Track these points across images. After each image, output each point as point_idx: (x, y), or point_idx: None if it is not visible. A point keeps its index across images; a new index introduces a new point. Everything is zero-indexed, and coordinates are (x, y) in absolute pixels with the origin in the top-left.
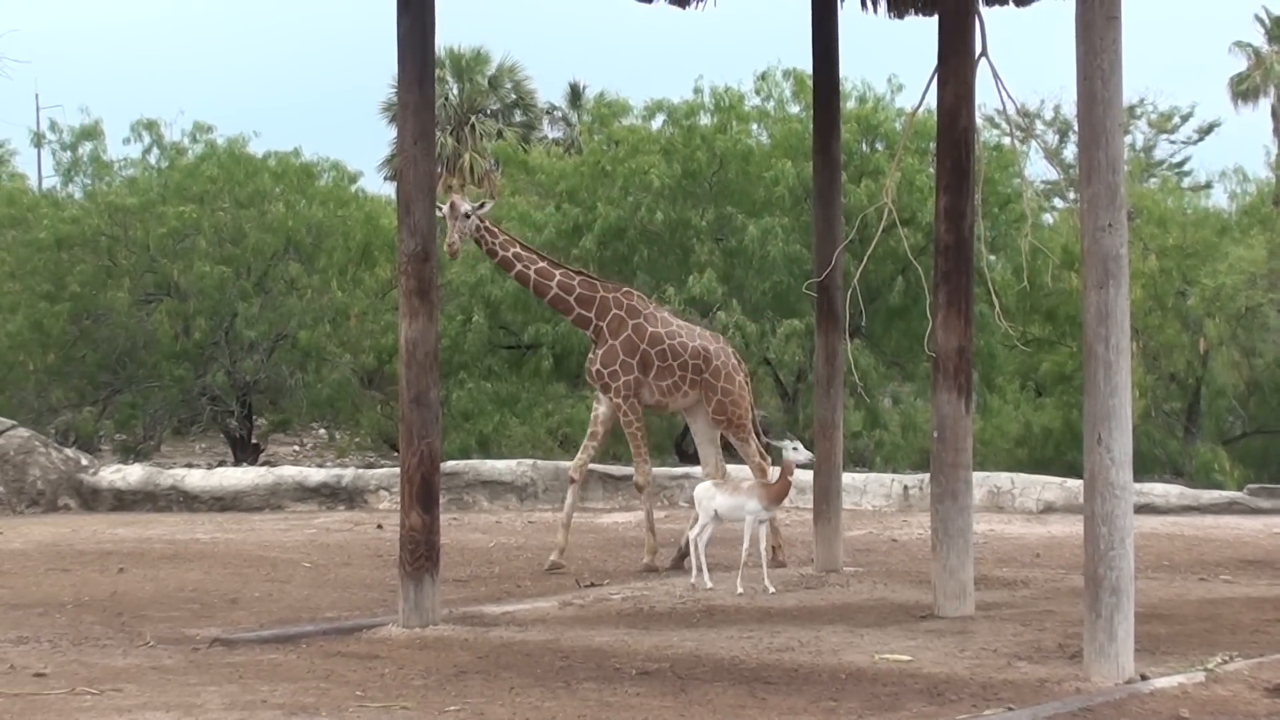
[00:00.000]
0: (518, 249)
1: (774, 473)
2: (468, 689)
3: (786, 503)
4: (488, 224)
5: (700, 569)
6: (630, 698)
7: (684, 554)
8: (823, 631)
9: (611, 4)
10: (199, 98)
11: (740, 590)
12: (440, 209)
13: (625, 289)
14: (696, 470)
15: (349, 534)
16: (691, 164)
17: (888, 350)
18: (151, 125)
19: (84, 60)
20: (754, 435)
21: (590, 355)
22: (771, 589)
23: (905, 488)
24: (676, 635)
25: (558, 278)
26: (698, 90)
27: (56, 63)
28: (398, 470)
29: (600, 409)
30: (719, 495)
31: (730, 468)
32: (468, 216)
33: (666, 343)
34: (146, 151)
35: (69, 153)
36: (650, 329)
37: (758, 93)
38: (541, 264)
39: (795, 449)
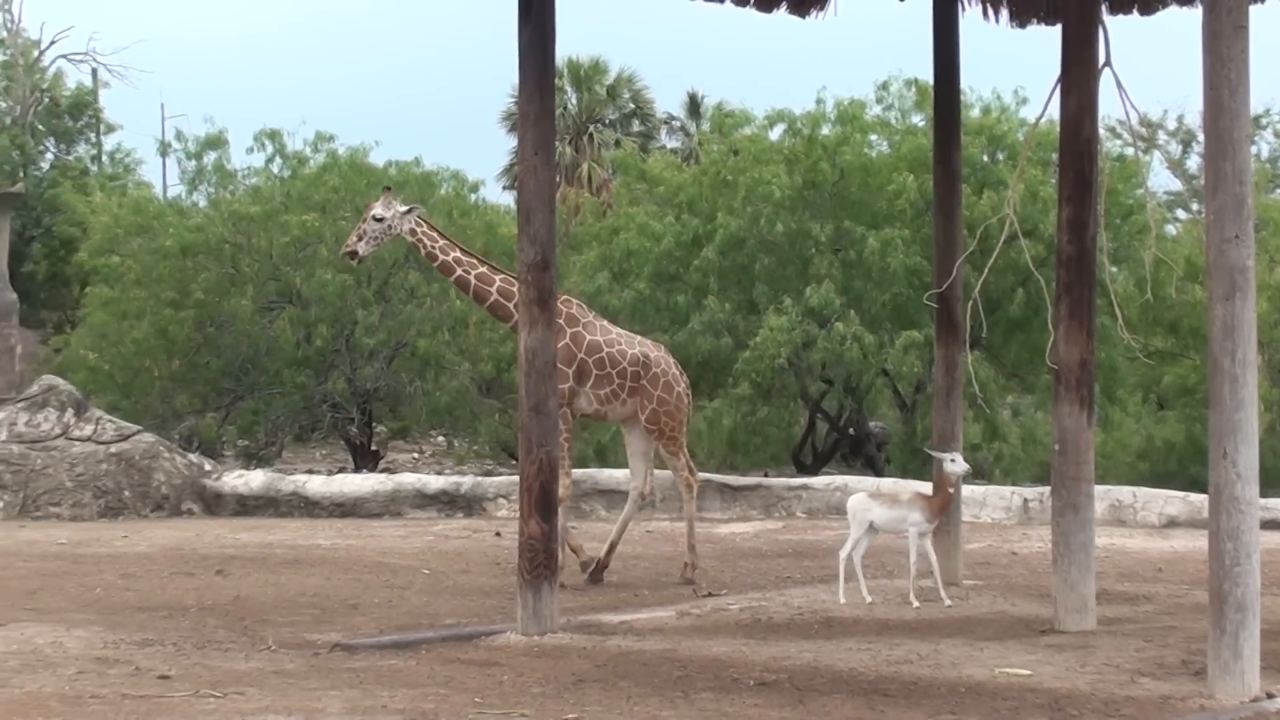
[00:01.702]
0: (458, 253)
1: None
2: (585, 697)
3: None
4: (426, 228)
5: (851, 580)
6: (748, 708)
7: (603, 566)
8: (942, 644)
9: (730, 12)
10: (321, 108)
11: (916, 604)
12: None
13: (565, 297)
14: (814, 481)
15: (467, 541)
16: (813, 175)
17: (1007, 362)
18: (274, 135)
19: (208, 70)
20: (685, 449)
21: None
22: (948, 602)
23: (1025, 500)
24: (794, 646)
25: (497, 283)
26: (820, 100)
27: (181, 72)
28: (516, 478)
29: None
30: (876, 507)
31: (896, 483)
32: (379, 220)
33: (604, 351)
34: (269, 161)
35: (194, 162)
36: (588, 337)
37: (878, 102)
38: (481, 269)
39: (954, 460)
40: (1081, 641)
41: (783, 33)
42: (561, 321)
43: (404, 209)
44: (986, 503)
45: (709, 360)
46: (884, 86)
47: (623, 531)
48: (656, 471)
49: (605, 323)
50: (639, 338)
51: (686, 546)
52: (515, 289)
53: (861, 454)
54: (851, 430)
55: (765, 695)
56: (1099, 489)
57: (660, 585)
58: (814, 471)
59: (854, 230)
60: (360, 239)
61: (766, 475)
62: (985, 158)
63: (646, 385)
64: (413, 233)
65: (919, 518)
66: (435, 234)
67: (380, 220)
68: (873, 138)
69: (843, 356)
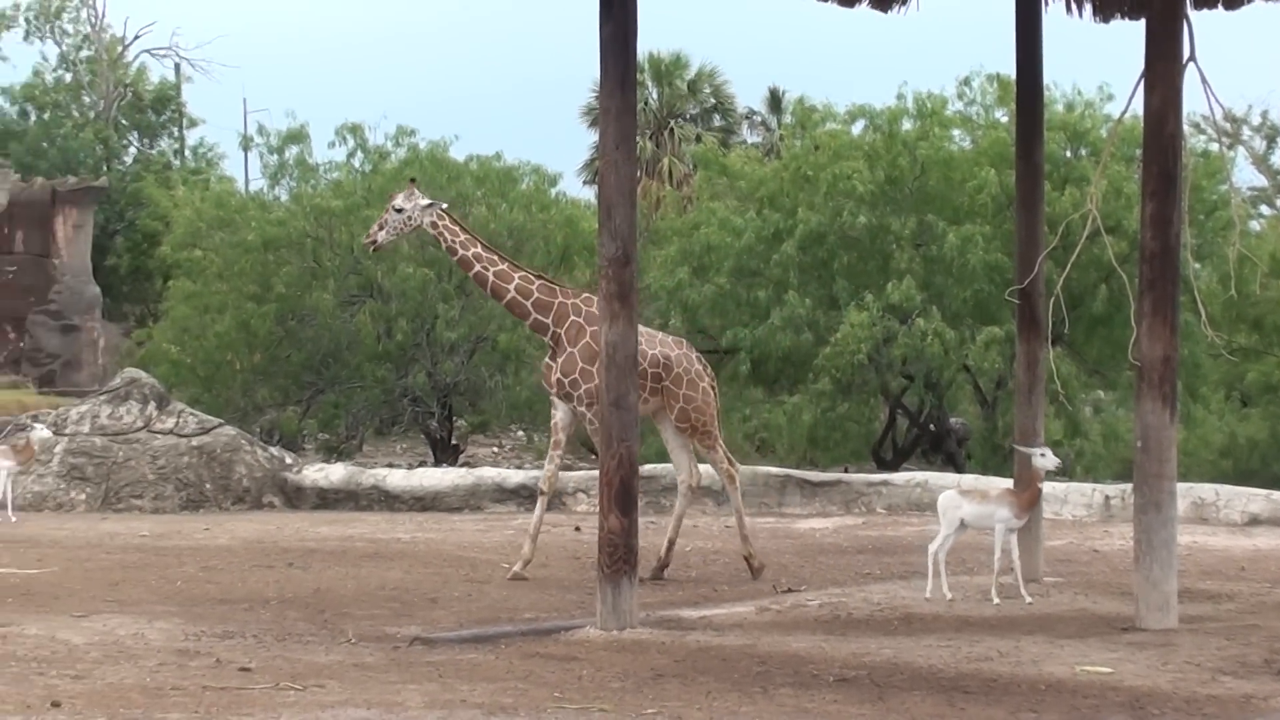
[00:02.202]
0: (478, 249)
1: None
2: (665, 692)
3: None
4: (448, 222)
5: (938, 576)
6: (827, 704)
7: (663, 565)
8: (1022, 642)
9: (812, 7)
10: (402, 102)
11: (996, 601)
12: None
13: (585, 295)
14: (894, 477)
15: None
16: (894, 170)
17: (1089, 358)
18: (356, 129)
19: (290, 64)
20: (720, 442)
21: (547, 362)
22: (1029, 599)
23: (1107, 498)
24: (874, 642)
25: (516, 281)
26: (900, 96)
27: (264, 67)
28: (596, 473)
29: (558, 415)
30: (966, 504)
31: (977, 479)
32: (399, 211)
33: None
34: (351, 155)
35: (276, 156)
36: None
37: (959, 98)
38: (501, 266)
39: (1044, 455)
40: (1163, 639)
41: (864, 27)
42: (581, 320)
43: (425, 203)
44: (1068, 500)
45: (789, 356)
46: (965, 82)
47: (678, 527)
48: (754, 468)
49: None
50: (661, 335)
51: (739, 539)
52: (533, 287)
53: (942, 450)
54: (932, 426)
55: (845, 691)
56: (1181, 486)
57: (739, 581)
58: (894, 467)
59: (935, 225)
60: (381, 229)
61: (846, 471)
62: (1067, 153)
63: (670, 385)
64: (434, 226)
65: (1008, 514)
66: (457, 228)
67: (401, 211)
68: (954, 133)
69: (923, 352)
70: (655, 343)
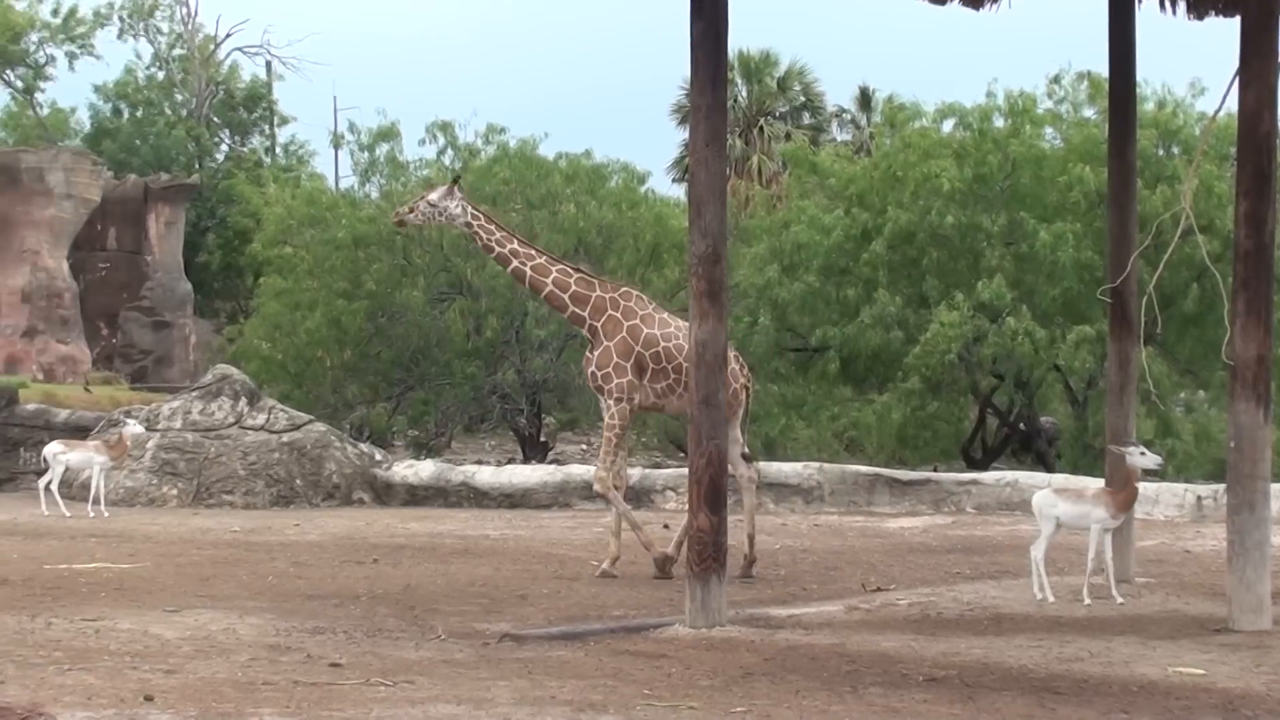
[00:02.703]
0: (515, 245)
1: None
2: (754, 691)
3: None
4: (483, 220)
5: (1043, 583)
6: (917, 704)
7: (752, 561)
8: (1113, 642)
9: (902, 5)
10: (492, 99)
11: (1088, 602)
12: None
13: (624, 289)
14: (984, 477)
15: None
16: (983, 168)
17: (1181, 357)
18: (446, 127)
19: (381, 62)
20: (738, 441)
21: (587, 355)
22: (1120, 600)
23: (1199, 498)
24: (964, 642)
25: (554, 274)
26: (990, 94)
27: (354, 65)
28: (684, 471)
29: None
30: (1062, 503)
31: (1068, 479)
32: (432, 205)
33: (660, 345)
34: (441, 153)
35: (366, 153)
36: (645, 330)
37: (1049, 96)
38: (539, 260)
39: (1142, 453)
40: (1256, 641)
41: (954, 25)
42: (618, 314)
43: (458, 203)
44: (1159, 500)
45: (878, 354)
46: (1055, 80)
47: (753, 521)
48: (826, 466)
49: (666, 315)
50: None
51: (745, 538)
52: (571, 280)
53: (1032, 449)
54: (1022, 425)
55: (934, 691)
56: (1275, 487)
57: (828, 579)
58: (984, 467)
59: (1025, 223)
60: (411, 211)
61: (936, 470)
62: (1159, 151)
63: None
64: (469, 226)
65: (1104, 514)
66: (493, 226)
67: (433, 206)
68: (1045, 131)
69: (1014, 351)
70: None
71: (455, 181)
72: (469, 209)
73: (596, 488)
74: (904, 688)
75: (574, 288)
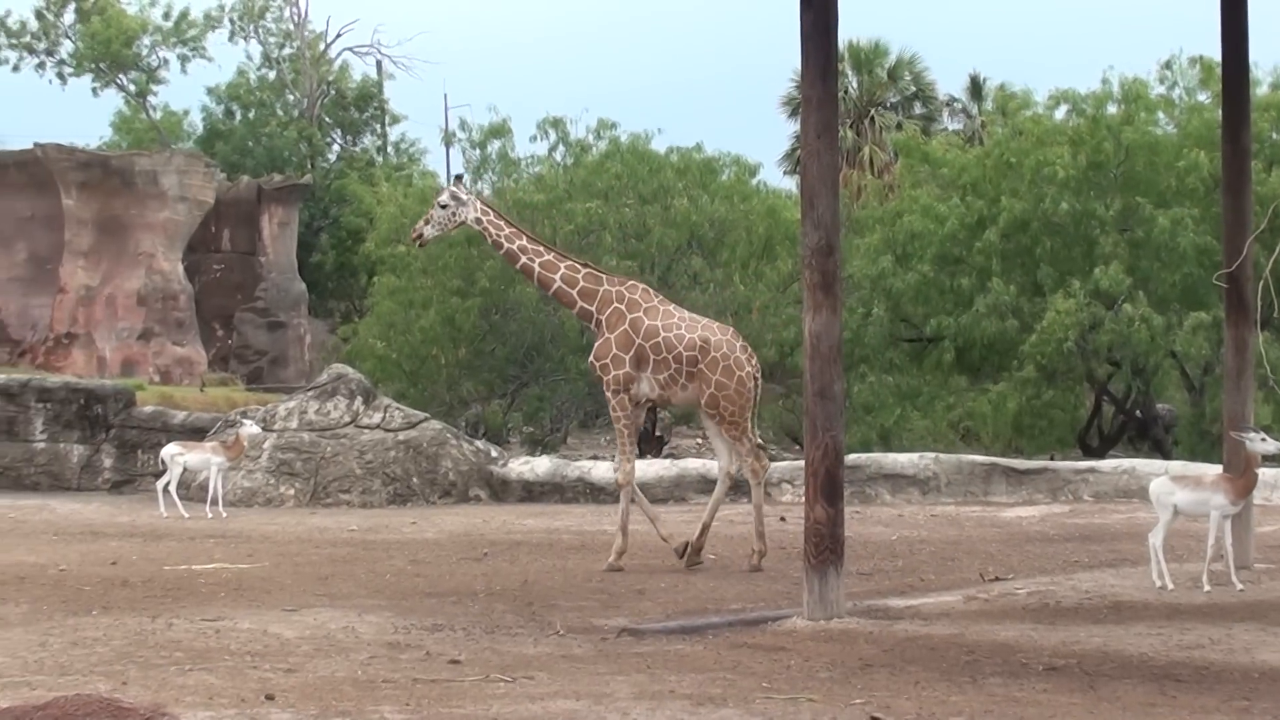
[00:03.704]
0: (523, 241)
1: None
2: (873, 682)
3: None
4: (492, 216)
5: (1162, 570)
6: (1037, 693)
7: (697, 548)
8: (1234, 629)
9: None
10: (602, 95)
11: (1207, 589)
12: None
13: (630, 282)
14: (1101, 465)
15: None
16: (1097, 155)
17: None
18: (557, 123)
19: (491, 59)
20: (748, 434)
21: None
22: (1240, 586)
23: None
24: (1083, 631)
25: (562, 270)
26: (1104, 80)
27: (464, 62)
28: (800, 463)
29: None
30: (1180, 491)
31: (1185, 465)
32: (444, 207)
33: (661, 335)
34: (552, 149)
35: (478, 150)
36: (647, 322)
37: (1161, 81)
38: (547, 256)
39: (1262, 439)
40: None
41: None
42: (623, 307)
43: (467, 200)
44: (1279, 486)
45: (993, 343)
46: (1167, 65)
47: (713, 514)
48: (943, 457)
49: (671, 307)
50: (705, 321)
51: (755, 533)
52: (579, 275)
53: (1149, 437)
54: (1139, 413)
55: (1054, 680)
56: None
57: (946, 569)
58: (1100, 454)
59: (1141, 209)
60: (427, 224)
61: (1052, 458)
62: (1274, 134)
63: (705, 370)
64: (478, 221)
65: (1223, 500)
66: (501, 222)
67: (445, 208)
68: (1157, 116)
69: (1130, 338)
70: (697, 328)
71: (459, 179)
72: (479, 205)
73: (619, 479)
74: (1024, 677)
75: (581, 283)
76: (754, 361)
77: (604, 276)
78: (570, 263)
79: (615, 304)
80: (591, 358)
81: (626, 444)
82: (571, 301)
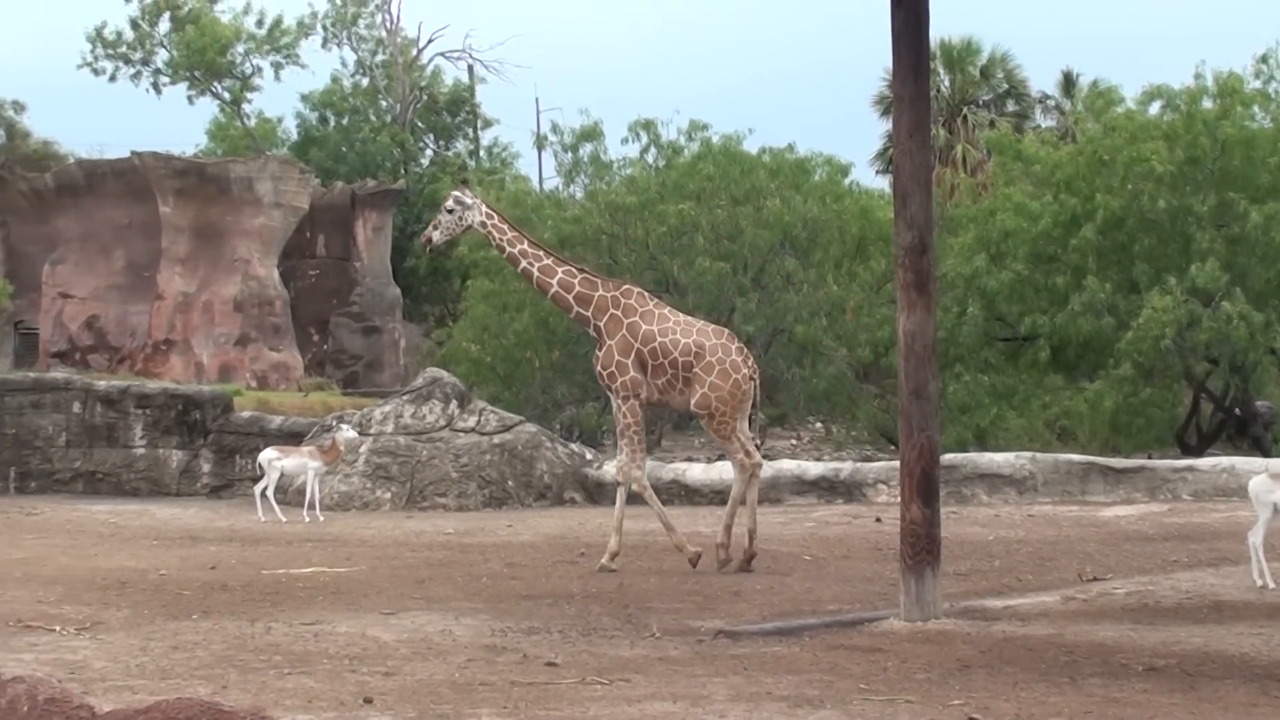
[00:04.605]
0: (524, 246)
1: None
2: (971, 683)
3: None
4: (496, 220)
5: (1263, 569)
6: (1137, 694)
7: (751, 556)
8: None
9: None
10: (693, 96)
11: None
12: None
13: (625, 287)
14: (1200, 463)
15: (847, 527)
16: (1193, 150)
17: None
18: (649, 125)
19: (582, 62)
20: (738, 434)
21: (595, 355)
22: None
23: None
24: (1183, 631)
25: (559, 276)
26: (1198, 75)
27: (556, 66)
28: (896, 464)
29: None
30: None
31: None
32: (450, 212)
33: (658, 340)
34: (644, 151)
35: (570, 154)
36: (644, 327)
37: (1256, 75)
38: (546, 261)
39: None
40: None
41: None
42: (619, 312)
43: (473, 203)
44: None
45: (1089, 341)
46: (1263, 59)
47: (754, 516)
48: (1039, 456)
49: (667, 311)
50: (700, 324)
51: (746, 531)
52: (575, 281)
53: (1248, 434)
54: (1237, 410)
55: (1154, 681)
56: None
57: (1044, 570)
58: (1199, 453)
59: (1237, 204)
60: (435, 229)
61: (1150, 457)
62: None
63: (700, 372)
64: (483, 225)
65: None
66: (505, 226)
67: (452, 212)
68: (1253, 110)
69: (1229, 335)
70: (691, 332)
71: (464, 184)
72: (484, 209)
73: (634, 488)
74: (1123, 678)
75: (578, 288)
76: (750, 363)
77: (599, 281)
78: (568, 268)
79: (611, 310)
80: (598, 367)
81: (637, 447)
82: (568, 306)
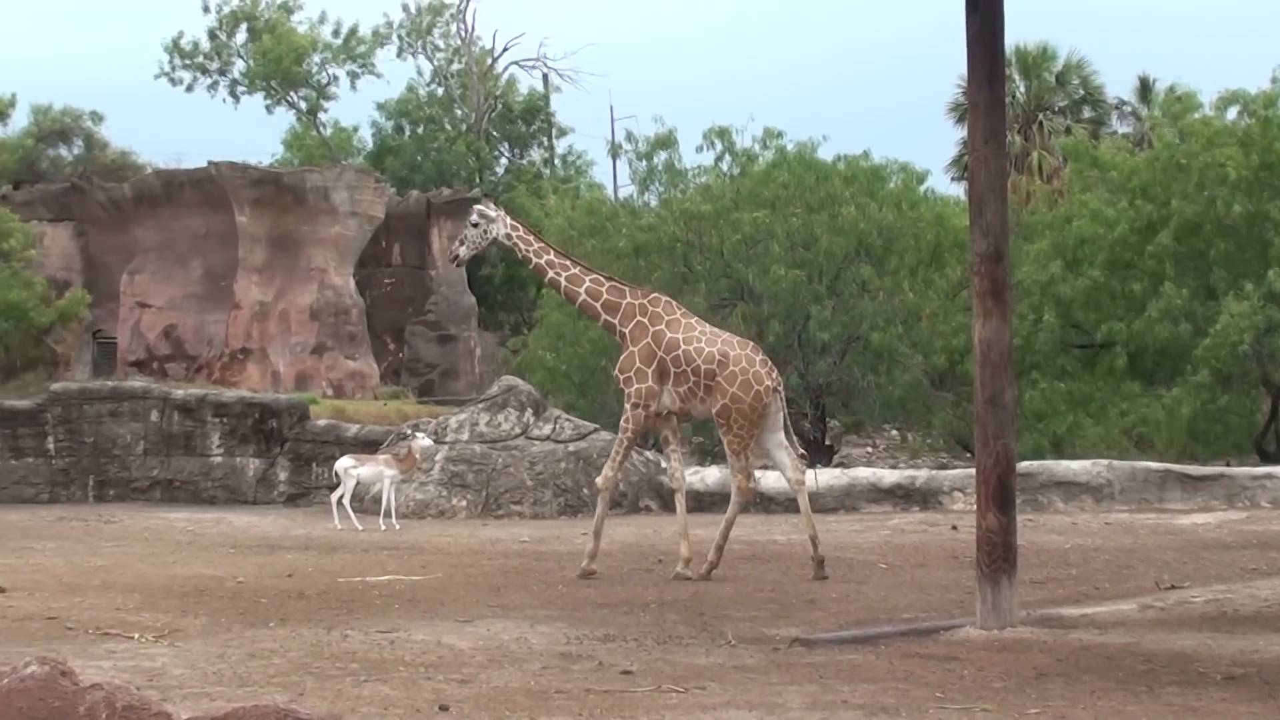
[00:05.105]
0: (551, 256)
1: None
2: (1048, 692)
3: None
4: (522, 232)
5: None
6: (1215, 703)
7: (820, 561)
8: None
9: None
10: (767, 103)
11: None
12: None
13: (653, 295)
14: (1279, 470)
15: (923, 535)
16: (1269, 155)
17: None
18: (723, 133)
19: (656, 70)
20: (747, 453)
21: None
22: None
23: None
24: (1263, 639)
25: (587, 284)
26: (1275, 79)
27: (630, 74)
28: (971, 471)
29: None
30: None
31: None
32: (475, 226)
33: (681, 348)
34: (719, 159)
35: (644, 162)
36: (669, 335)
37: None
38: (573, 270)
39: None
40: None
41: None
42: (645, 320)
43: (497, 216)
44: None
45: (1166, 348)
46: None
47: (811, 521)
48: (1116, 464)
49: (693, 320)
50: (725, 335)
51: (714, 545)
52: (603, 289)
53: None
54: None
55: (1233, 689)
56: None
57: (1121, 578)
58: (1278, 460)
59: None
60: (461, 244)
61: (1228, 464)
62: None
63: (722, 382)
64: (509, 237)
65: None
66: (531, 237)
67: (477, 226)
68: None
69: None
70: (716, 341)
71: (487, 196)
72: (508, 221)
73: (599, 483)
74: (1201, 686)
75: (605, 296)
76: (774, 375)
77: (627, 290)
78: (595, 276)
79: (638, 317)
80: (616, 370)
81: (622, 454)
82: (596, 314)
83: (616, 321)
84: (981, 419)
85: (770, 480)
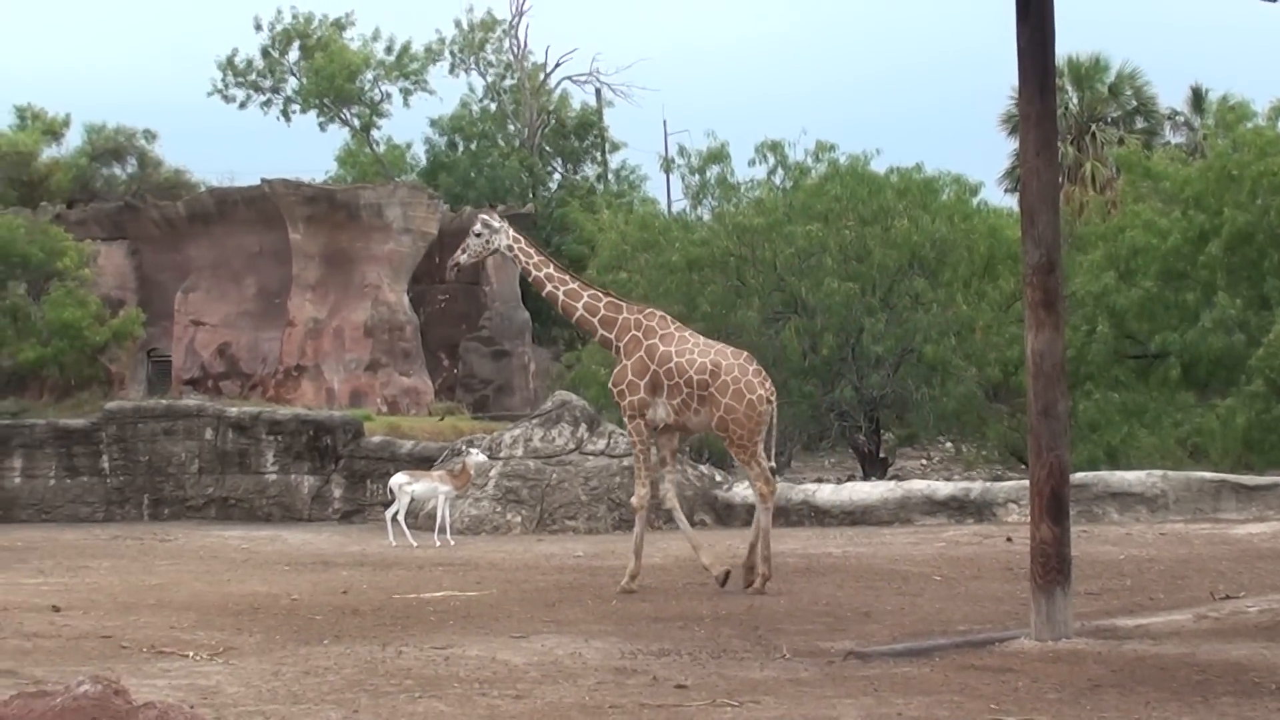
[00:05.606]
0: (550, 270)
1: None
2: (1103, 703)
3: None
4: (523, 244)
5: None
6: (1271, 714)
7: (765, 578)
8: None
9: (1234, 4)
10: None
11: None
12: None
13: (648, 310)
14: None
15: (978, 547)
16: None
17: None
18: (776, 146)
19: (708, 84)
20: (758, 458)
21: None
22: None
23: None
24: None
25: (584, 299)
26: None
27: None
28: (1026, 483)
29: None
30: None
31: None
32: (478, 236)
33: (674, 361)
34: (771, 172)
35: (697, 176)
36: (662, 348)
37: None
38: (571, 285)
39: None
40: None
41: None
42: (640, 334)
43: (500, 228)
44: None
45: (1220, 358)
46: None
47: (768, 541)
48: (1170, 474)
49: (687, 333)
50: (719, 346)
51: (760, 558)
52: (600, 304)
53: None
54: None
55: None
56: None
57: (1175, 588)
58: None
59: None
60: (463, 253)
61: None
62: None
63: (715, 393)
64: (510, 249)
65: None
66: (531, 250)
67: (479, 236)
68: None
69: None
70: (709, 353)
71: (491, 207)
72: (510, 233)
73: (633, 502)
74: (1256, 697)
75: (603, 311)
76: (768, 385)
77: (623, 305)
78: (593, 291)
79: (632, 331)
80: (610, 383)
81: (643, 469)
82: (593, 329)
83: (612, 336)
84: (1035, 430)
85: (824, 493)
